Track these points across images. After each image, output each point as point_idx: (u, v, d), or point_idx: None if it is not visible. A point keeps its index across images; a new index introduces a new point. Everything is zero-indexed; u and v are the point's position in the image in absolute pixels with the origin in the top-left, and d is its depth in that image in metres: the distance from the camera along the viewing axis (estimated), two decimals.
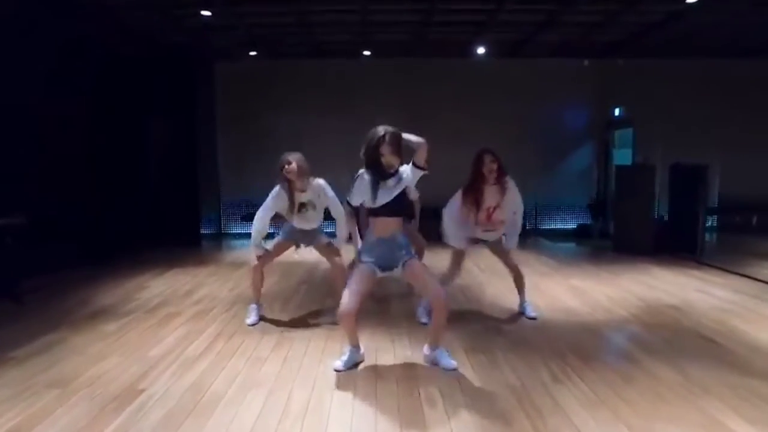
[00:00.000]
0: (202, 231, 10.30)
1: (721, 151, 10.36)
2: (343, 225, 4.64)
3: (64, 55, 7.17)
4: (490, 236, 4.77)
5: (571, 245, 9.69)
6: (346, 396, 3.27)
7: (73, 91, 7.48)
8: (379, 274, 3.64)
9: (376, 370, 3.68)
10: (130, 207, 8.86)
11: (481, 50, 8.91)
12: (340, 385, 3.44)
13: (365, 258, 3.61)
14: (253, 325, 4.71)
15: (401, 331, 4.49)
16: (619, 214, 8.69)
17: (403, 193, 3.61)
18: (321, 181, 4.69)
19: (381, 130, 3.43)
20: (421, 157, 3.55)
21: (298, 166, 4.53)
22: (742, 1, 7.33)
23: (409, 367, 3.73)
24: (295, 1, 7.13)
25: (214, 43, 9.15)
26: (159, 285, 6.32)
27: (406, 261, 3.61)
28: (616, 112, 10.48)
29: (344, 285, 3.76)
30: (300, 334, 4.47)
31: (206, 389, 3.38)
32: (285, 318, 4.98)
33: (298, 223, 4.83)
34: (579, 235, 10.42)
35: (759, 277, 6.34)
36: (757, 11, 7.63)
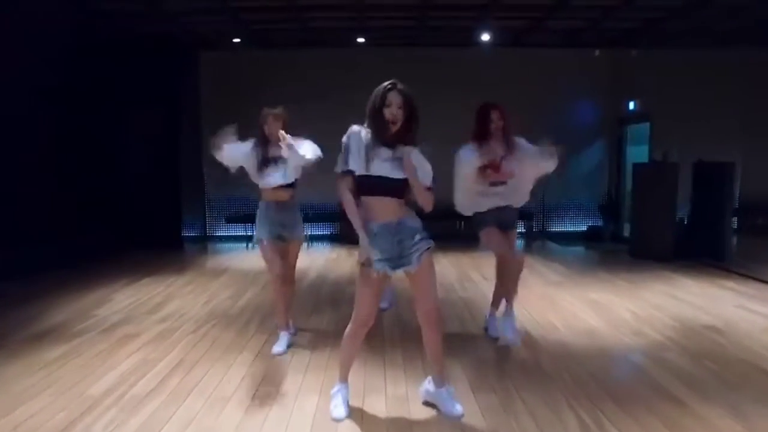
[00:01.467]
0: (185, 233, 9.58)
1: (743, 147, 9.64)
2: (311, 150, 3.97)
3: (30, 42, 6.47)
4: (502, 194, 4.01)
5: (581, 249, 9.00)
6: None
7: (40, 81, 6.78)
8: (391, 273, 2.85)
9: (362, 417, 2.97)
10: (106, 207, 8.15)
11: (485, 37, 8.17)
12: None
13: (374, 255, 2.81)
14: (278, 354, 3.93)
15: (395, 358, 3.79)
16: (636, 216, 7.97)
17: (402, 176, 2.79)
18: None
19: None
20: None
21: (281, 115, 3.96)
22: None
23: (402, 410, 3.03)
24: None
25: (198, 29, 8.42)
26: (125, 297, 5.61)
27: (423, 252, 2.83)
28: (631, 105, 9.74)
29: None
30: (275, 364, 3.76)
31: None
32: (260, 341, 4.26)
33: (263, 181, 4.05)
34: (589, 238, 9.70)
35: None
36: None
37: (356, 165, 2.76)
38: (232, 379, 3.49)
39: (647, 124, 9.31)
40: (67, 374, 3.56)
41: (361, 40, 8.87)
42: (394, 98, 2.75)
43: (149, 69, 8.64)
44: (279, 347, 3.97)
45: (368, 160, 2.73)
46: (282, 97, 9.98)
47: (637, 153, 9.51)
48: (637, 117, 9.61)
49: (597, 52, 9.88)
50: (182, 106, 9.29)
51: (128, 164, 8.79)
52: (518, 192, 4.09)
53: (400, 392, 3.27)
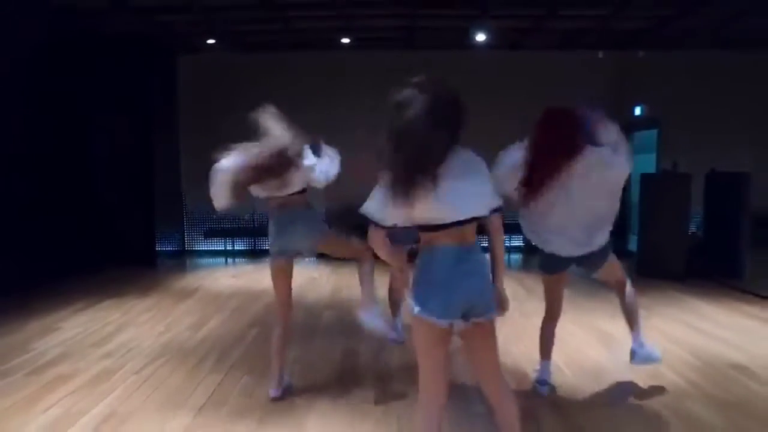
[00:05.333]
0: (162, 248, 8.95)
1: (757, 155, 9.04)
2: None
3: None
4: None
5: None
6: None
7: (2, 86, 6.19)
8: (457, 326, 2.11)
9: None
10: (74, 221, 7.52)
11: (480, 37, 7.58)
12: None
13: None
14: (274, 399, 3.34)
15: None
16: (645, 230, 7.35)
17: None
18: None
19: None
20: None
21: None
22: None
23: None
24: None
25: (172, 30, 7.85)
26: (74, 326, 4.98)
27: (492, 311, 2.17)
28: (637, 111, 9.13)
29: None
30: (224, 415, 3.15)
31: None
32: (213, 382, 3.65)
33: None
34: None
35: None
36: None
37: None
38: None
39: (654, 131, 8.70)
40: None
41: (345, 40, 8.27)
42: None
43: (123, 72, 8.02)
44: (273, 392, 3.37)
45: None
46: (264, 102, 9.48)
47: (644, 162, 8.89)
48: (644, 123, 9.00)
49: (600, 54, 9.31)
50: (158, 111, 8.69)
51: (99, 174, 8.16)
52: None
53: None
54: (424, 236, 2.10)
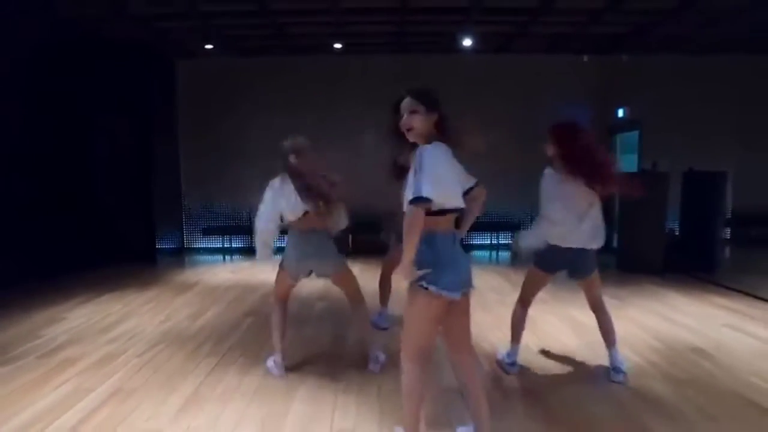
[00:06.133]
0: (161, 246, 9.25)
1: (736, 156, 9.38)
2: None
3: None
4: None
5: None
6: None
7: (5, 88, 6.48)
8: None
9: None
10: (76, 220, 7.81)
11: (467, 42, 7.86)
12: None
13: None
14: (280, 373, 3.71)
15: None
16: (625, 227, 7.66)
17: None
18: None
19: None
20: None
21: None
22: None
23: None
24: None
25: (170, 36, 8.14)
26: (78, 316, 5.27)
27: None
28: (620, 113, 9.46)
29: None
30: (219, 392, 3.44)
31: None
32: (210, 364, 3.94)
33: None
34: None
35: None
36: None
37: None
38: (166, 411, 3.17)
39: (636, 133, 9.02)
40: None
41: (338, 45, 8.58)
42: (404, 106, 2.49)
43: (123, 76, 8.31)
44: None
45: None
46: (259, 105, 9.83)
47: (628, 162, 9.21)
48: (626, 125, 9.33)
49: (585, 58, 9.61)
50: (157, 113, 8.99)
51: (100, 175, 8.45)
52: None
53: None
54: (428, 222, 2.32)
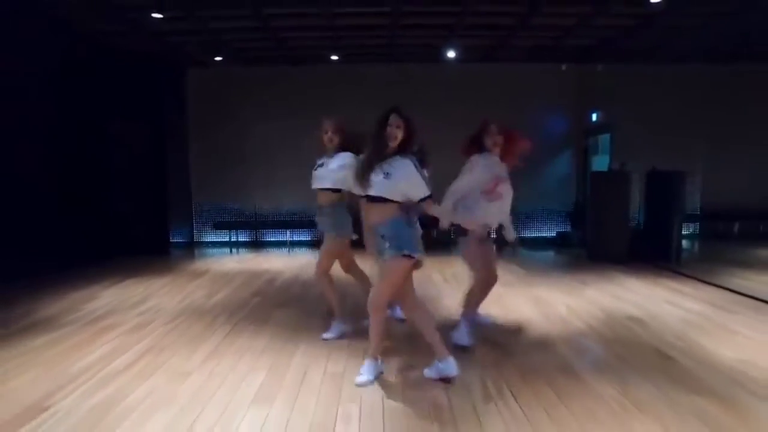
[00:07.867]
0: (173, 240, 10.08)
1: (705, 158, 10.21)
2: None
3: (17, 57, 6.99)
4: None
5: (550, 254, 9.49)
6: (256, 418, 3.05)
7: (28, 94, 7.30)
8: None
9: (299, 389, 3.46)
10: (96, 214, 8.64)
11: (450, 54, 8.70)
12: (254, 406, 3.20)
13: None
14: (326, 340, 4.43)
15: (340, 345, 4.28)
16: (594, 221, 8.47)
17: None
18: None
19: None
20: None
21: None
22: (705, 6, 7.19)
23: (336, 382, 3.52)
24: (255, 4, 6.97)
25: (183, 48, 8.97)
26: (109, 295, 6.10)
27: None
28: (594, 117, 10.28)
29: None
30: (234, 349, 4.25)
31: (115, 407, 3.16)
32: (225, 330, 4.75)
33: None
34: (559, 243, 10.21)
35: (732, 287, 6.12)
36: (721, 19, 7.51)
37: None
38: (195, 359, 3.98)
39: (608, 135, 9.84)
40: (51, 356, 4.05)
41: (334, 57, 9.41)
42: (394, 120, 3.32)
43: (138, 85, 9.16)
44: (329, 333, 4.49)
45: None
46: (264, 112, 10.65)
47: (602, 162, 10.03)
48: (599, 128, 10.14)
49: (564, 67, 10.42)
50: (170, 119, 9.84)
51: (117, 177, 9.28)
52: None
53: (338, 370, 3.76)
54: (409, 206, 3.32)
